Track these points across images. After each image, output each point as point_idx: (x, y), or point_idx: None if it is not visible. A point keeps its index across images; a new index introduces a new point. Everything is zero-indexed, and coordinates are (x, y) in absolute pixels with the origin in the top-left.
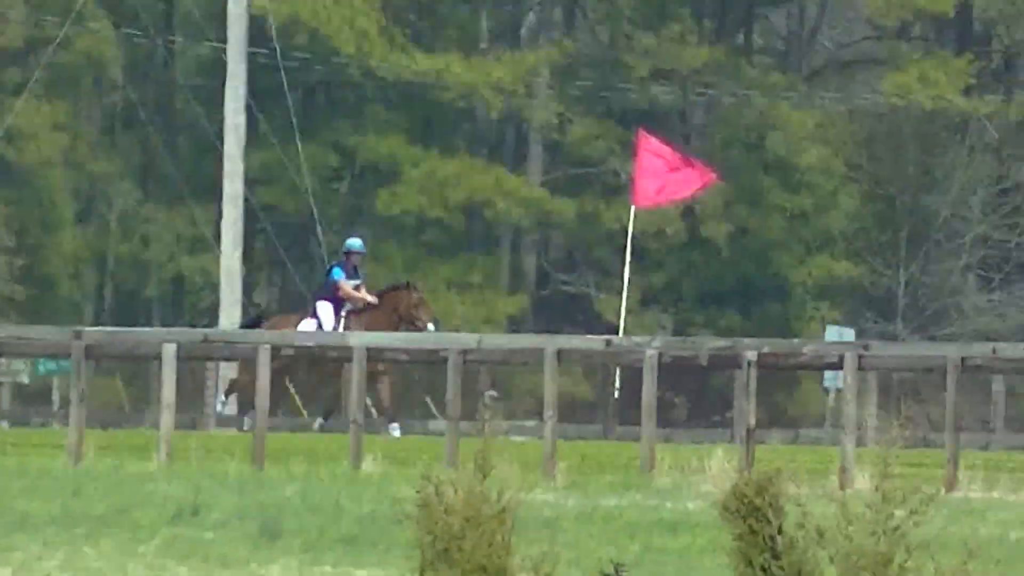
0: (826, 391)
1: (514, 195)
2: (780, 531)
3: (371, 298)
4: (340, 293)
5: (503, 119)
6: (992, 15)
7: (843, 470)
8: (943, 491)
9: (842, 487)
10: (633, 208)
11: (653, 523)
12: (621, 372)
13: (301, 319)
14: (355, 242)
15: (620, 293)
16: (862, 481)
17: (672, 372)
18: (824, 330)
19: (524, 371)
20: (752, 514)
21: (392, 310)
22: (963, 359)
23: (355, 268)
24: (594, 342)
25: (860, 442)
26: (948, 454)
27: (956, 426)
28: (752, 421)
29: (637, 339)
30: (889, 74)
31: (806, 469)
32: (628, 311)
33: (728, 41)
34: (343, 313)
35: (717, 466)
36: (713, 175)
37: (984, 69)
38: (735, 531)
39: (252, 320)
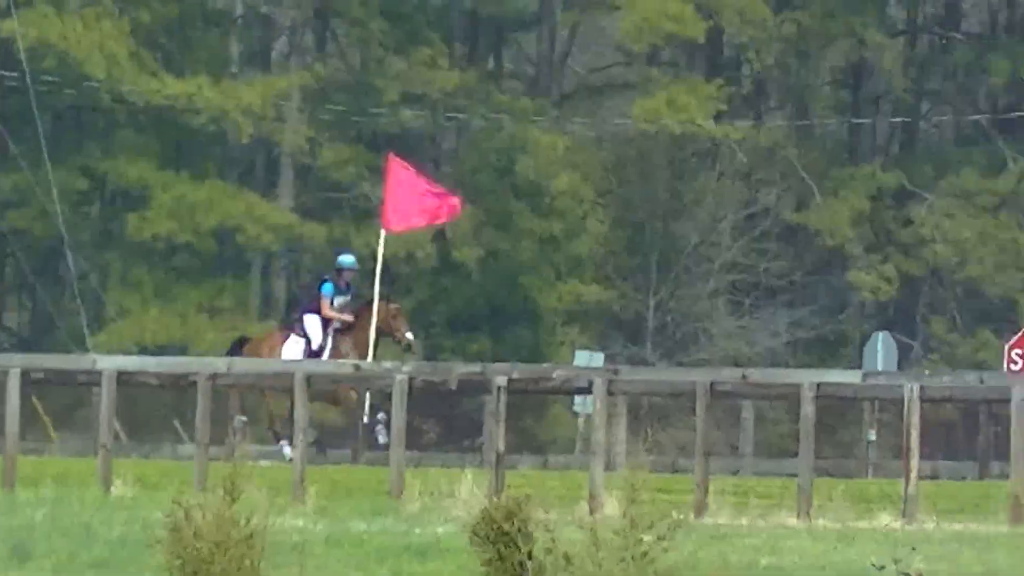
0: (576, 416)
1: (265, 220)
2: (529, 556)
3: (348, 317)
4: (321, 311)
5: (254, 143)
6: (743, 40)
7: (592, 496)
8: (692, 517)
9: (591, 513)
10: (383, 232)
11: (402, 548)
12: (371, 397)
13: (284, 339)
14: (347, 259)
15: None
16: (611, 506)
17: (422, 397)
18: (574, 355)
19: (274, 396)
20: (501, 539)
21: (370, 324)
22: (712, 384)
23: (347, 285)
24: (344, 367)
25: (609, 467)
26: (697, 479)
27: (705, 451)
28: (501, 446)
29: (387, 364)
30: (639, 99)
31: (555, 494)
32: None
33: (479, 65)
34: (331, 330)
35: (467, 491)
36: (457, 205)
37: (734, 95)
38: (484, 556)
39: (236, 345)
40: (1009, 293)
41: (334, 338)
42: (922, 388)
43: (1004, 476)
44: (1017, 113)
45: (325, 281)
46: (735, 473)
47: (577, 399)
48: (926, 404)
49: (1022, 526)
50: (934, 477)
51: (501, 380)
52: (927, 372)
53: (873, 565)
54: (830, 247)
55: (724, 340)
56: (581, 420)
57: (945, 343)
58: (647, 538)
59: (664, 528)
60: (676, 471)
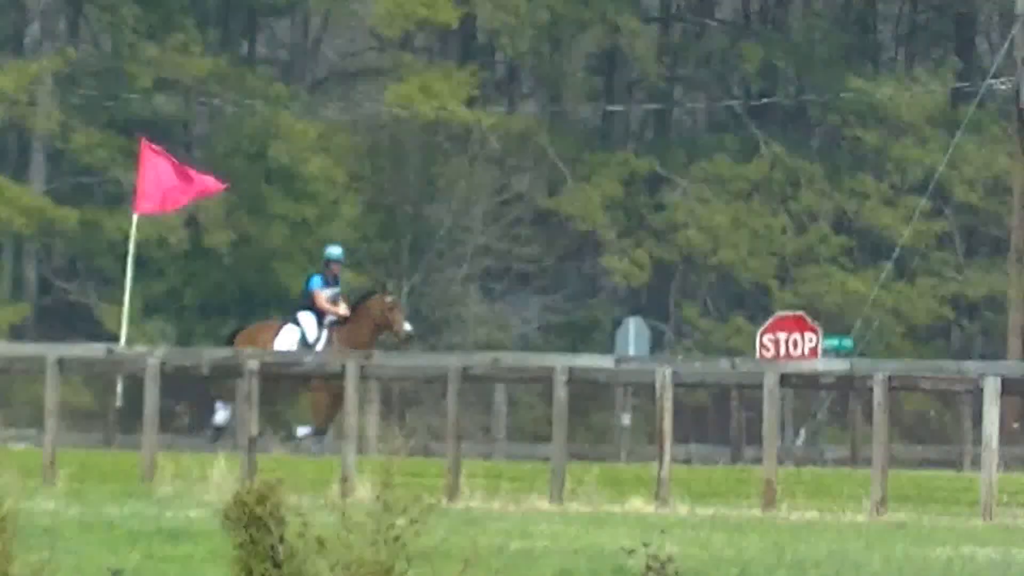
0: None
1: (16, 203)
2: (281, 540)
3: (343, 311)
4: (315, 304)
5: (5, 127)
6: (496, 26)
7: (344, 479)
8: (444, 501)
9: (343, 496)
10: (135, 216)
11: (154, 531)
12: (123, 381)
13: (281, 327)
14: (335, 251)
15: (122, 302)
16: (364, 490)
17: (175, 381)
18: None
19: (25, 379)
20: (253, 523)
21: (368, 317)
22: (464, 369)
23: (335, 277)
24: (96, 351)
25: (362, 451)
26: (449, 463)
27: (457, 435)
28: (254, 430)
29: (139, 348)
30: (392, 85)
31: (308, 478)
32: (130, 320)
33: (232, 51)
34: (326, 324)
35: (219, 475)
36: (220, 185)
37: (487, 81)
38: (236, 540)
39: (232, 334)
40: (762, 279)
41: (329, 331)
42: (674, 373)
43: (757, 461)
44: (769, 99)
45: (313, 276)
46: (487, 457)
47: None
48: (679, 389)
49: (774, 510)
50: (687, 461)
51: (253, 365)
52: (680, 357)
53: (623, 549)
54: (583, 232)
55: (477, 325)
56: None
57: (698, 329)
58: (400, 522)
59: (417, 512)
60: (429, 455)
